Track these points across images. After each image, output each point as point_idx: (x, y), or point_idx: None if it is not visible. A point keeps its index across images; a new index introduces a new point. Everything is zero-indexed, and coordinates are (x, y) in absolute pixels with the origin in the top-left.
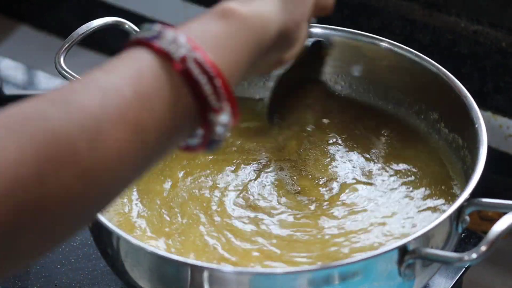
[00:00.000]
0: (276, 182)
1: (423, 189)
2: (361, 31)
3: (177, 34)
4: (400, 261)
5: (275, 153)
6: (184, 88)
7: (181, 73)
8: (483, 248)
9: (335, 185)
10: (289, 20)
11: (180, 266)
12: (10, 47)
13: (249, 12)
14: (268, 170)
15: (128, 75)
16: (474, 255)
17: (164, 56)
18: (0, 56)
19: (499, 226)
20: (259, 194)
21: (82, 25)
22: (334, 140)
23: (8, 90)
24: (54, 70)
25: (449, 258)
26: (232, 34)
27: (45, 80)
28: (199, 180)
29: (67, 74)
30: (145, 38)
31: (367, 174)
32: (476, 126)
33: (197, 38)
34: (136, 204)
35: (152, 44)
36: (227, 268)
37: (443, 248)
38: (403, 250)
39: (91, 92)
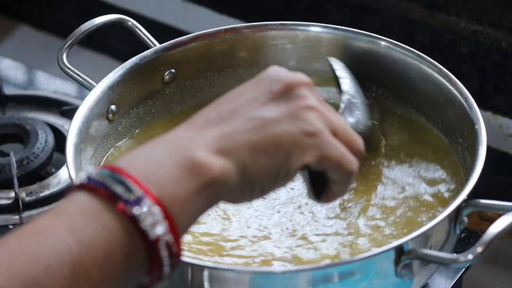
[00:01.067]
0: None
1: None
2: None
3: (153, 206)
4: (397, 261)
5: None
6: (146, 260)
7: (149, 249)
8: (479, 249)
9: None
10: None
11: (180, 265)
12: (10, 47)
13: (220, 170)
14: None
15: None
16: (470, 256)
17: (136, 230)
18: (0, 56)
19: (495, 228)
20: None
21: (82, 25)
22: None
23: (8, 90)
24: (54, 70)
25: (445, 259)
26: (202, 198)
27: (45, 80)
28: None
29: (69, 71)
30: (125, 202)
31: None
32: (476, 126)
33: (169, 203)
34: None
35: (129, 216)
36: (227, 267)
37: (441, 249)
38: (399, 251)
39: None
